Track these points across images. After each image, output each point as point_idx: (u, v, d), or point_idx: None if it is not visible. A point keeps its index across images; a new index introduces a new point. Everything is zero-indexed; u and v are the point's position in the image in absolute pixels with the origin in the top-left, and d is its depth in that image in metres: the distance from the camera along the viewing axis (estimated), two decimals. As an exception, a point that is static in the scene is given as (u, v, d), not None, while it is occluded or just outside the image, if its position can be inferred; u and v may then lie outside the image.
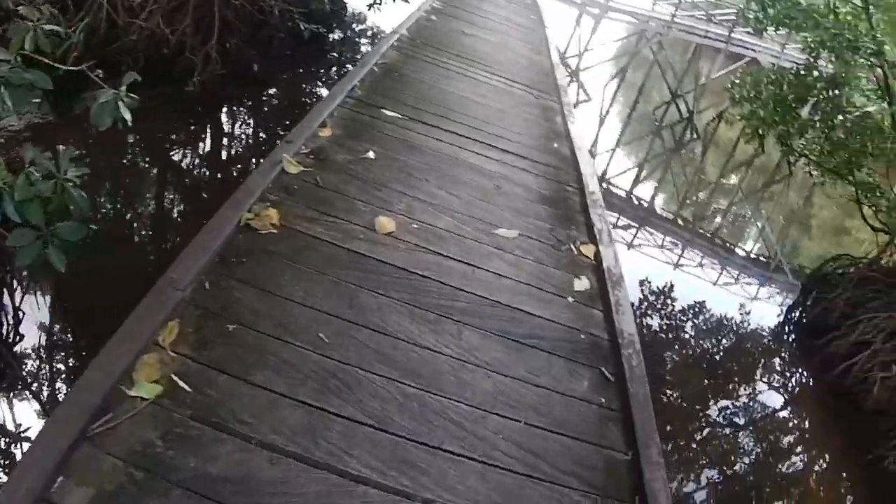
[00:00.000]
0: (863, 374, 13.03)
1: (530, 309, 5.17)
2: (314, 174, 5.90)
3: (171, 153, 12.27)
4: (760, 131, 14.97)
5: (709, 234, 19.95)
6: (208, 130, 13.14)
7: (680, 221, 19.74)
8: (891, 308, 14.07)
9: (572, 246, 6.26)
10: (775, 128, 14.71)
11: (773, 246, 20.75)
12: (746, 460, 11.62)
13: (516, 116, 9.12)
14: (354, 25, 20.90)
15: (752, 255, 20.21)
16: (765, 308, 16.55)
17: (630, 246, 15.96)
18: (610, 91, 25.33)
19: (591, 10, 22.37)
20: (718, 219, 21.62)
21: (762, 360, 14.61)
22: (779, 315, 16.02)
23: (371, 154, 6.67)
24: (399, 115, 7.86)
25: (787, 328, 16.22)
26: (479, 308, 4.97)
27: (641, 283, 14.22)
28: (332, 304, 4.55)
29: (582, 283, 5.68)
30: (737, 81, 15.15)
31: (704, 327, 14.68)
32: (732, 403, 12.92)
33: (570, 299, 5.45)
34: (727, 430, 12.24)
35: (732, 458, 11.64)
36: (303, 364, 3.95)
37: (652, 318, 13.83)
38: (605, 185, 18.39)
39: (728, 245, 20.05)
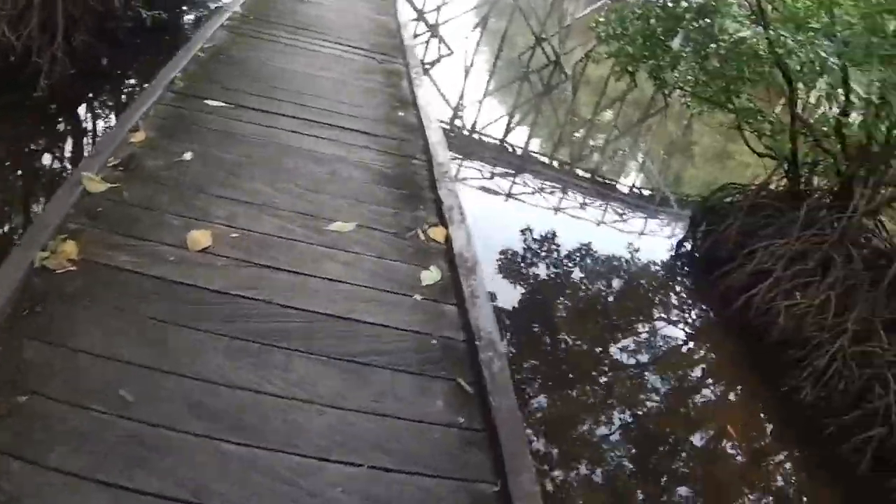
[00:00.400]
0: (765, 305, 12.77)
1: (370, 317, 4.55)
2: (121, 190, 5.21)
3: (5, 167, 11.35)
4: (630, 68, 14.63)
5: (589, 175, 19.51)
6: (50, 137, 12.12)
7: (557, 164, 19.38)
8: (785, 233, 13.87)
9: (420, 231, 5.64)
10: (646, 63, 14.37)
11: (655, 178, 20.66)
12: (655, 405, 11.05)
13: (357, 87, 8.43)
14: (210, 4, 19.88)
15: (636, 190, 20.02)
16: (655, 244, 16.14)
17: (509, 196, 15.65)
18: (473, 42, 24.73)
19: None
20: (597, 157, 21.33)
21: (658, 300, 14.30)
22: (670, 250, 15.77)
23: (188, 155, 5.94)
24: (224, 104, 7.10)
25: (679, 263, 15.89)
26: (310, 327, 4.35)
27: (523, 231, 13.73)
28: (134, 350, 3.88)
29: (431, 275, 5.08)
30: (601, 20, 14.69)
31: (593, 271, 14.28)
32: (632, 348, 12.61)
33: (418, 297, 4.85)
34: (630, 376, 11.91)
35: (641, 403, 11.08)
36: (103, 433, 3.34)
37: (538, 268, 13.37)
38: (477, 135, 18.11)
39: (610, 182, 19.63)
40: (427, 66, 20.56)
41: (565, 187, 17.48)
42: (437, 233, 5.63)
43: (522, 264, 13.15)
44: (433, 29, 22.18)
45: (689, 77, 15.01)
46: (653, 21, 13.70)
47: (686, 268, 15.74)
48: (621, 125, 25.52)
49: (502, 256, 12.97)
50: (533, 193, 16.57)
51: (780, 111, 16.20)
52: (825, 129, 16.27)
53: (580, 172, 19.56)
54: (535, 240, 13.92)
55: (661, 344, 12.85)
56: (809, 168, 15.79)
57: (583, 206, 16.90)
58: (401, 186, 6.24)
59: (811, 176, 15.70)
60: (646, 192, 20.46)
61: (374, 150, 6.84)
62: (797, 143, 15.03)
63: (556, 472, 8.78)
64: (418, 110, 7.99)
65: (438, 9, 22.45)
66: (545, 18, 24.41)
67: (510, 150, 18.96)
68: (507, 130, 19.90)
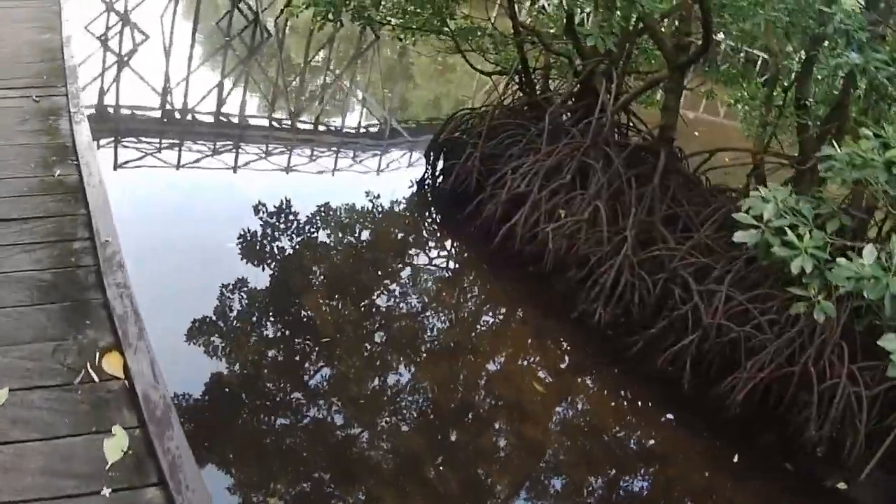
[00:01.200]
0: (529, 232, 12.00)
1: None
2: None
3: None
4: (331, 15, 13.36)
5: (312, 125, 18.95)
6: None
7: (277, 124, 18.52)
8: (531, 150, 13.10)
9: (90, 368, 3.90)
10: (348, 6, 13.48)
11: (380, 113, 19.64)
12: (441, 358, 10.38)
13: (6, 147, 6.56)
14: None
15: (365, 130, 19.34)
16: (395, 184, 15.49)
17: (236, 168, 14.77)
18: (168, 21, 22.46)
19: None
20: (317, 105, 20.86)
21: (412, 249, 13.38)
22: (411, 188, 14.88)
23: None
24: None
25: (424, 203, 15.04)
26: None
27: (256, 208, 12.72)
28: None
29: (116, 444, 3.43)
30: None
31: (339, 227, 13.28)
32: (400, 305, 11.54)
33: (107, 491, 3.23)
34: (406, 332, 10.82)
35: (426, 358, 10.41)
36: None
37: (282, 241, 12.36)
38: (190, 115, 17.24)
39: (334, 129, 19.12)
40: (124, 58, 18.54)
41: (292, 145, 16.59)
42: (113, 362, 3.92)
43: (265, 243, 11.98)
44: (124, 17, 19.74)
45: (397, 10, 14.36)
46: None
47: (433, 207, 14.84)
48: (335, 67, 24.62)
49: (242, 240, 11.79)
50: (262, 159, 15.52)
51: (498, 24, 15.59)
52: (553, 31, 15.77)
53: (305, 126, 18.77)
54: (270, 213, 12.77)
55: (427, 297, 11.72)
56: (543, 75, 15.18)
57: (312, 159, 16.03)
58: (61, 297, 4.48)
59: (547, 84, 15.11)
60: (374, 130, 19.76)
61: (25, 246, 4.92)
62: (524, 52, 14.36)
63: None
64: (78, 160, 6.18)
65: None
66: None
67: (226, 120, 17.64)
68: (222, 102, 18.51)
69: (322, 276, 11.77)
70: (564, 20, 13.50)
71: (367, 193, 14.29)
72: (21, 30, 9.85)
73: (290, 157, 15.90)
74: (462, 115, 14.85)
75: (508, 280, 12.24)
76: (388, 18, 14.35)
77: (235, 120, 17.74)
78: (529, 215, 11.88)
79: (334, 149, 16.82)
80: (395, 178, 16.14)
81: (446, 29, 14.05)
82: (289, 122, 18.71)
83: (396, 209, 14.32)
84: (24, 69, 8.46)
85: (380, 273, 12.28)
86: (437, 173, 14.73)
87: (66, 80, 8.12)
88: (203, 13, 22.91)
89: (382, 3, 14.08)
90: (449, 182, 13.66)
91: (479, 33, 14.54)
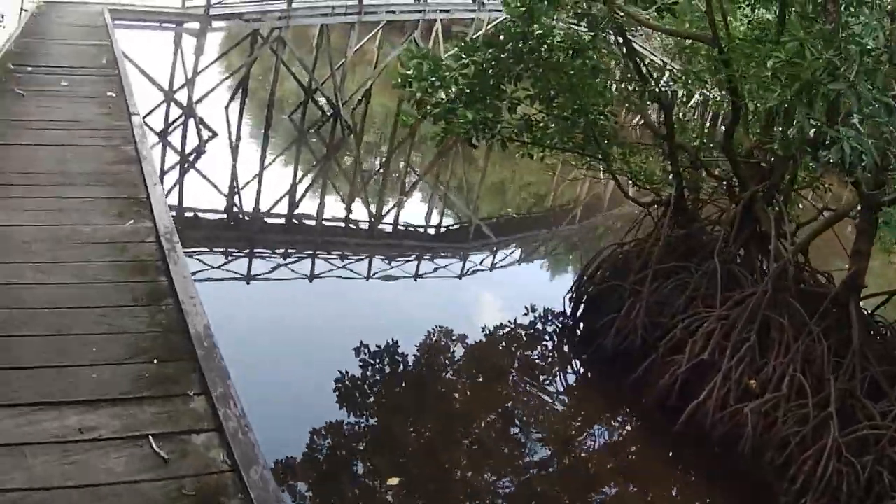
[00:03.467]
0: (720, 409, 9.73)
1: None
2: None
3: None
4: (462, 130, 11.18)
5: (392, 226, 17.58)
6: None
7: (355, 226, 16.93)
8: (696, 296, 11.16)
9: None
10: (479, 117, 10.99)
11: (464, 213, 18.23)
12: None
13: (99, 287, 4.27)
14: None
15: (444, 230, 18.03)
16: (505, 301, 13.61)
17: (312, 277, 13.23)
18: (235, 113, 20.48)
19: (189, 26, 17.39)
20: (398, 205, 19.01)
21: (573, 420, 11.20)
22: (553, 339, 12.87)
23: None
24: None
25: (564, 347, 12.83)
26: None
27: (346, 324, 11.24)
28: None
29: None
30: (409, 73, 10.94)
31: (447, 360, 11.48)
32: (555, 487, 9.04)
33: None
34: None
35: None
36: None
37: (380, 375, 10.54)
38: (262, 220, 15.94)
39: (415, 230, 17.50)
40: (189, 157, 16.50)
41: (372, 250, 15.18)
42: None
43: (365, 385, 10.19)
44: (189, 112, 17.68)
45: (556, 131, 11.88)
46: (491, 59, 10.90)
47: (590, 367, 12.41)
48: (417, 163, 23.20)
49: (341, 382, 9.92)
50: (337, 268, 13.95)
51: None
52: (711, 147, 13.38)
53: (384, 227, 17.40)
54: (361, 338, 10.74)
55: (596, 485, 9.33)
56: (693, 201, 12.92)
57: (392, 263, 14.59)
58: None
59: (697, 209, 13.08)
60: (455, 230, 18.33)
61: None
62: (682, 177, 12.22)
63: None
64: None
65: (191, 84, 17.82)
66: (314, 66, 20.60)
67: (300, 225, 16.34)
68: (294, 206, 17.10)
69: (434, 433, 9.37)
70: (724, 132, 11.24)
71: (473, 314, 12.75)
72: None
73: (370, 263, 14.47)
74: (610, 253, 12.86)
75: (694, 466, 9.75)
76: (526, 137, 11.97)
77: (311, 223, 16.40)
78: (719, 389, 9.86)
79: (416, 253, 15.56)
80: (497, 291, 14.39)
81: (598, 154, 12.10)
82: (367, 225, 17.08)
83: (530, 350, 12.38)
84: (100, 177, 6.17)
85: (523, 441, 9.79)
86: (577, 313, 12.75)
87: (151, 207, 5.72)
88: (274, 104, 20.88)
89: (533, 124, 11.73)
90: (608, 339, 11.32)
91: (633, 154, 12.54)
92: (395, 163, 22.57)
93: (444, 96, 11.10)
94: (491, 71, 11.10)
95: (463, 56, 11.19)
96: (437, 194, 20.19)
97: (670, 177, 12.39)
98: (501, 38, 11.26)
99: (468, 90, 11.11)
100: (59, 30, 12.72)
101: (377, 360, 10.58)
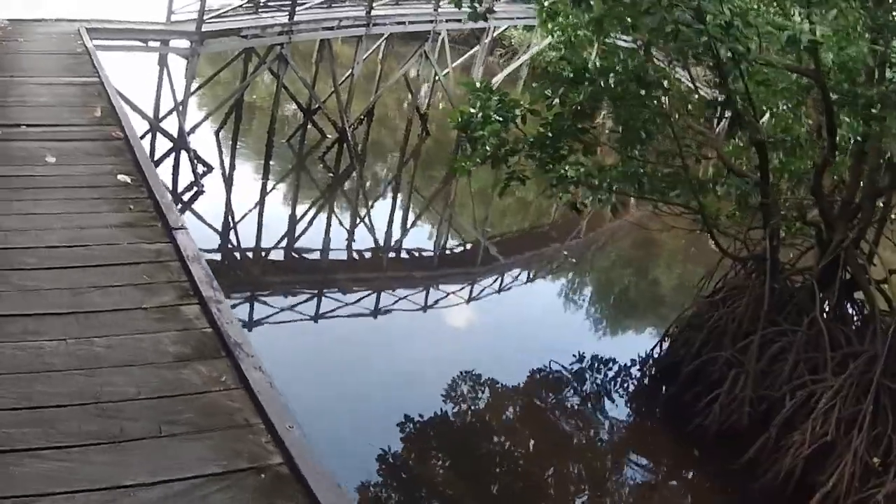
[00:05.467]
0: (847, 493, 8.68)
1: None
2: None
3: None
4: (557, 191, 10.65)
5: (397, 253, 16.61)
6: None
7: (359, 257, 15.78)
8: (799, 361, 10.06)
9: None
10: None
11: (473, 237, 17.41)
12: None
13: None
14: None
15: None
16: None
17: (318, 318, 12.42)
18: (228, 142, 18.39)
19: (177, 45, 15.24)
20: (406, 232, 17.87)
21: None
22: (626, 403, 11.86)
23: None
24: None
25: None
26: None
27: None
28: None
29: None
30: (471, 112, 10.00)
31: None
32: None
33: None
34: None
35: None
36: None
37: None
38: (263, 258, 14.79)
39: (426, 257, 16.61)
40: (182, 196, 14.61)
41: (379, 284, 14.16)
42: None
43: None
44: (180, 144, 15.51)
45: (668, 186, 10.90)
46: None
47: (687, 444, 10.65)
48: (421, 187, 21.84)
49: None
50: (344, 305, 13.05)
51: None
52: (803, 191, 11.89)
53: (396, 257, 16.33)
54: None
55: None
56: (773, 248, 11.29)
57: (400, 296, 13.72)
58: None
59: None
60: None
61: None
62: (776, 225, 10.90)
63: None
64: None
65: (181, 110, 15.60)
66: (314, 79, 18.52)
67: (302, 259, 15.17)
68: (293, 240, 15.72)
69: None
70: (814, 172, 10.47)
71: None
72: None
73: (378, 299, 13.55)
74: (694, 313, 11.75)
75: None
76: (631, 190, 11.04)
77: (314, 257, 15.21)
78: (849, 478, 8.71)
79: (426, 283, 14.42)
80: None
81: (691, 206, 11.00)
82: (373, 256, 16.01)
83: (594, 411, 11.40)
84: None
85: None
86: (657, 374, 11.99)
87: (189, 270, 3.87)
88: (260, 123, 18.90)
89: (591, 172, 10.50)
90: (712, 416, 10.05)
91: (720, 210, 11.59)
92: (401, 187, 20.89)
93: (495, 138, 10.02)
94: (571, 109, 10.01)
95: (548, 93, 9.99)
96: (446, 218, 19.14)
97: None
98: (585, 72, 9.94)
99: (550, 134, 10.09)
100: (30, 61, 10.55)
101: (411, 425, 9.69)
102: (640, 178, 10.52)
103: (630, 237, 17.72)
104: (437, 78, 21.14)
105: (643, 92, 9.86)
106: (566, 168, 10.33)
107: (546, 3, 10.68)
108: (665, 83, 10.39)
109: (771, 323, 10.33)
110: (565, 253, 17.65)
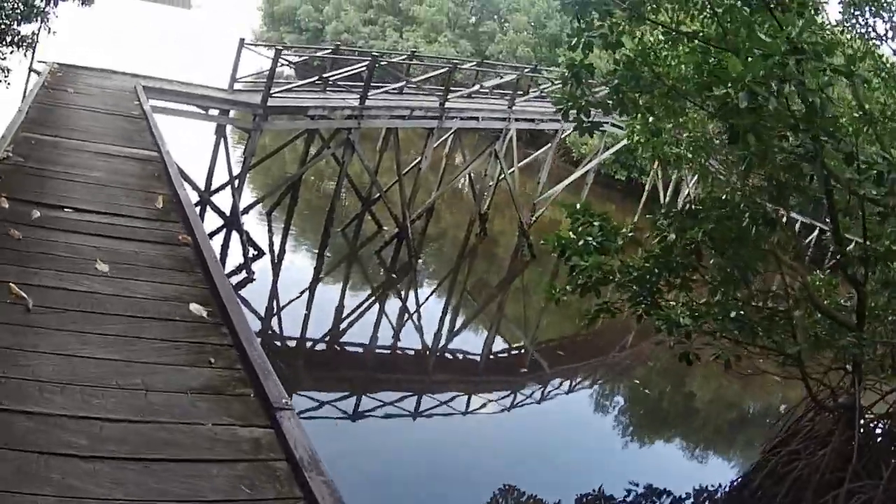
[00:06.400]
0: None
1: None
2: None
3: None
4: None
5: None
6: None
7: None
8: None
9: None
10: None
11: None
12: None
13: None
14: None
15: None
16: None
17: (354, 417, 11.77)
18: (277, 221, 17.23)
19: (239, 116, 14.10)
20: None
21: None
22: None
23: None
24: None
25: None
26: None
27: None
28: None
29: None
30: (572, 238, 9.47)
31: None
32: None
33: None
34: None
35: None
36: None
37: None
38: (305, 352, 13.66)
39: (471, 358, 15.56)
40: (234, 285, 13.22)
41: (423, 387, 13.43)
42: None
43: None
44: (231, 222, 14.21)
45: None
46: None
47: None
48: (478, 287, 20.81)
49: None
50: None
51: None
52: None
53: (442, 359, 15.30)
54: None
55: None
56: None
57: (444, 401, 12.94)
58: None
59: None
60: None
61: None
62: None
63: None
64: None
65: (237, 186, 14.35)
66: (376, 168, 17.29)
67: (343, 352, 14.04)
68: (338, 334, 14.48)
69: None
70: None
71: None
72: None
73: (418, 401, 13.01)
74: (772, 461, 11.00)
75: None
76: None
77: (357, 352, 14.17)
78: None
79: (468, 387, 13.78)
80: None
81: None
82: (419, 357, 14.99)
83: None
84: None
85: None
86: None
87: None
88: (315, 205, 17.64)
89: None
90: None
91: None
92: (454, 287, 19.71)
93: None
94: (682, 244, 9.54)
95: (661, 225, 9.64)
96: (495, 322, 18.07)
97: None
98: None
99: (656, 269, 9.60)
100: (81, 119, 9.34)
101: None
102: (747, 323, 9.73)
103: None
104: (502, 177, 19.94)
105: (755, 230, 9.03)
106: (674, 311, 9.33)
107: (650, 120, 10.03)
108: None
109: (855, 474, 9.71)
110: (613, 362, 17.02)
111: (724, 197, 9.58)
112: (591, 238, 9.24)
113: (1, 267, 4.42)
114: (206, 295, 4.67)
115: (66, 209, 5.71)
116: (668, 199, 27.53)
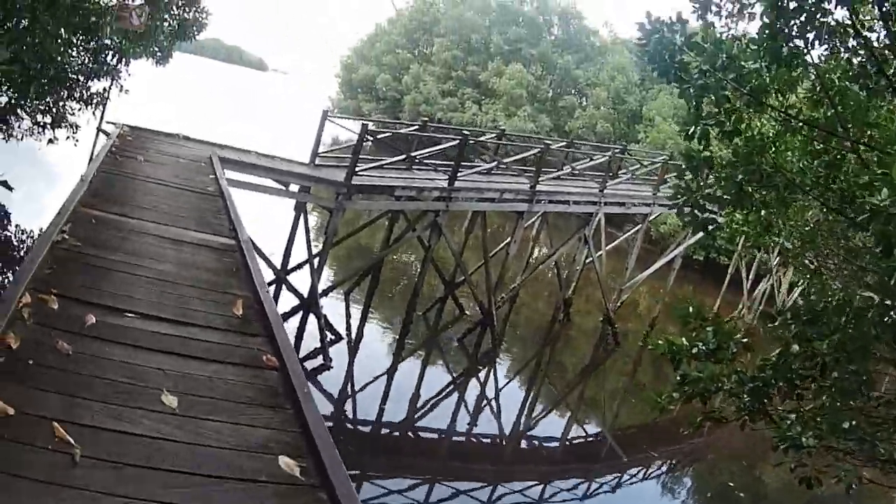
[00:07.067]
0: None
1: None
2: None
3: None
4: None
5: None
6: None
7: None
8: None
9: None
10: None
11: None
12: None
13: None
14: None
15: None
16: None
17: None
18: (356, 306, 16.49)
19: (322, 193, 13.44)
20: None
21: None
22: None
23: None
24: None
25: None
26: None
27: None
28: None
29: None
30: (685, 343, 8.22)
31: None
32: None
33: None
34: None
35: None
36: None
37: None
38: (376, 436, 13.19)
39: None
40: (307, 369, 12.53)
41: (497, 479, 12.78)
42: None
43: None
44: (309, 305, 13.41)
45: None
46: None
47: None
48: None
49: None
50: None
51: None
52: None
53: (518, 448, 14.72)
54: None
55: None
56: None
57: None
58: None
59: None
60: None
61: None
62: None
63: None
64: None
65: (317, 270, 13.58)
66: (462, 248, 16.43)
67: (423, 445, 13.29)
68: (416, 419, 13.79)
69: None
70: None
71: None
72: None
73: (493, 491, 12.56)
74: None
75: None
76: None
77: (432, 438, 13.68)
78: None
79: (544, 476, 13.24)
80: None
81: None
82: (494, 446, 14.29)
83: None
84: None
85: None
86: None
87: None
88: (395, 286, 16.80)
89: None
90: None
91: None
92: (535, 375, 18.83)
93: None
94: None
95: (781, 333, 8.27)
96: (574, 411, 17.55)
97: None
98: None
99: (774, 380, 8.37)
100: (150, 194, 8.62)
101: None
102: (865, 436, 8.43)
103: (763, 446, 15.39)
104: (589, 260, 18.99)
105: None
106: (790, 425, 8.29)
107: (762, 213, 9.18)
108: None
109: None
110: (691, 449, 16.44)
111: (838, 300, 8.42)
112: (703, 345, 8.27)
113: (43, 396, 3.56)
114: (297, 442, 3.74)
115: (127, 314, 4.86)
116: (750, 281, 26.62)
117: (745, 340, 9.05)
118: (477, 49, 55.11)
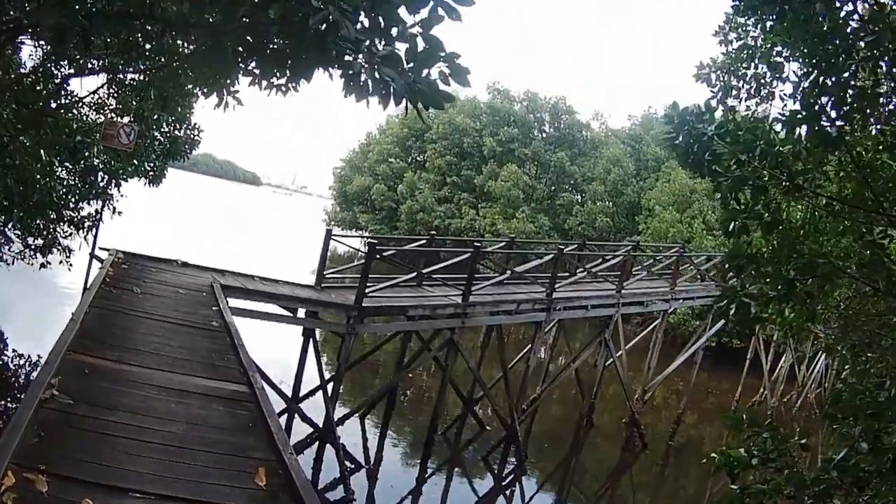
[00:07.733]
0: None
1: None
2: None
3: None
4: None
5: None
6: None
7: None
8: None
9: None
10: None
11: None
12: None
13: None
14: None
15: None
16: None
17: None
18: (383, 434, 15.73)
19: (332, 319, 12.82)
20: None
21: None
22: None
23: None
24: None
25: None
26: None
27: None
28: None
29: None
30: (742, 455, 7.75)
31: None
32: None
33: None
34: None
35: None
36: None
37: None
38: None
39: None
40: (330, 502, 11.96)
41: None
42: None
43: None
44: (325, 435, 12.64)
45: None
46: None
47: None
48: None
49: None
50: None
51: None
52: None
53: None
54: None
55: None
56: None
57: None
58: None
59: None
60: None
61: None
62: None
63: None
64: None
65: (332, 399, 12.84)
66: (478, 362, 15.72)
67: None
68: None
69: None
70: None
71: None
72: None
73: None
74: None
75: None
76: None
77: None
78: None
79: None
80: None
81: None
82: None
83: None
84: None
85: None
86: None
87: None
88: (411, 407, 15.89)
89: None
90: None
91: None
92: (562, 486, 17.82)
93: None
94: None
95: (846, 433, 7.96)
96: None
97: None
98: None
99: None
100: (149, 333, 7.94)
101: None
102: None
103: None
104: (609, 361, 18.26)
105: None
106: None
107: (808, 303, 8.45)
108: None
109: None
110: None
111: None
112: (761, 452, 7.85)
113: None
114: None
115: (131, 493, 4.18)
116: (769, 364, 25.89)
117: (802, 442, 8.40)
118: (470, 153, 55.08)
